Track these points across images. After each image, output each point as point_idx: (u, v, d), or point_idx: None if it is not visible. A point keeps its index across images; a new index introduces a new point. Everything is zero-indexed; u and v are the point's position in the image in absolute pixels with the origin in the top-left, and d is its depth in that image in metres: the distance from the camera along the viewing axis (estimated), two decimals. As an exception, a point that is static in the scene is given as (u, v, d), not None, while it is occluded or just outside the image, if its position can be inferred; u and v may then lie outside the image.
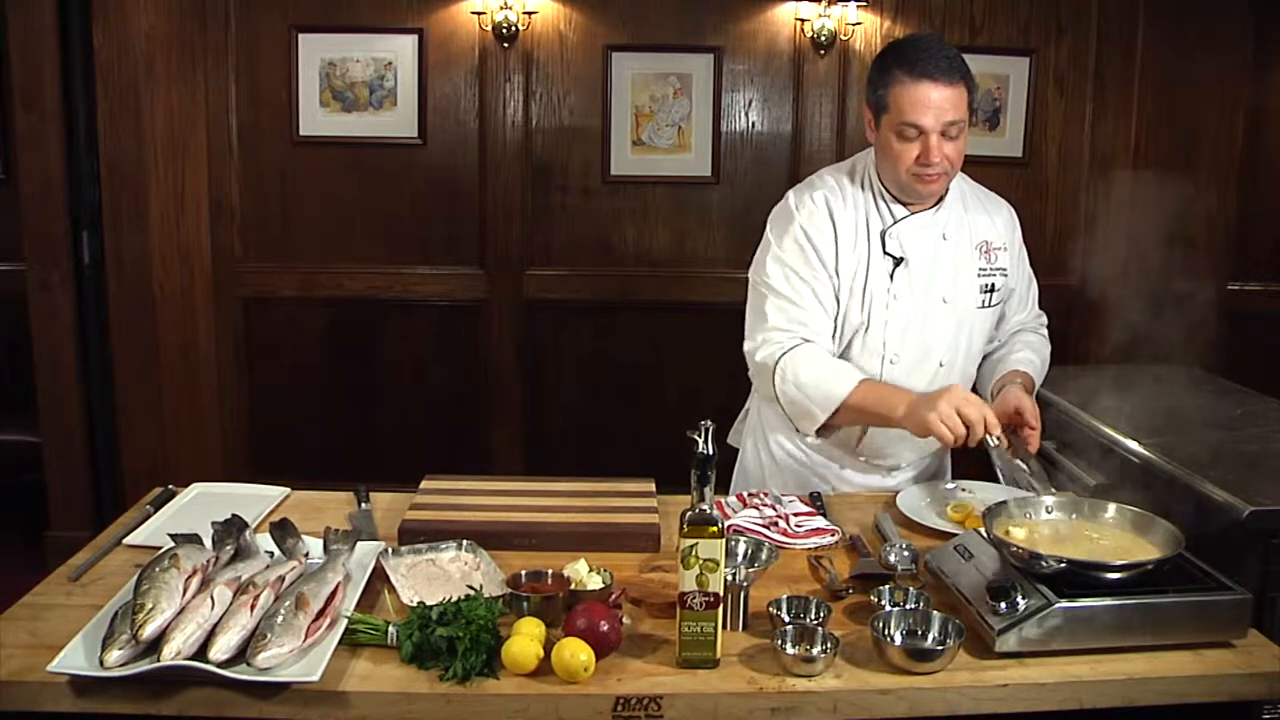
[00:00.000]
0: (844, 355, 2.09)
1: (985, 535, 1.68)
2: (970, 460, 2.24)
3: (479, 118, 3.84)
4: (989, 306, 2.16)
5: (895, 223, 2.06)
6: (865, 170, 2.11)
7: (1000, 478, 1.88)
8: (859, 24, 3.78)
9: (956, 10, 3.83)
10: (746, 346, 2.09)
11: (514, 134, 3.84)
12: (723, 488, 2.25)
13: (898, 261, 2.06)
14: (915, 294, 2.07)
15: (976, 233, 2.13)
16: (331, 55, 3.78)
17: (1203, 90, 3.86)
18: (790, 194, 2.13)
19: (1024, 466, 1.89)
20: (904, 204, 2.07)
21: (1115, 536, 1.69)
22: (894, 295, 2.07)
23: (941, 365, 2.12)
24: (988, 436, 1.86)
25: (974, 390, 2.20)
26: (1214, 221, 3.95)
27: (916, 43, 1.96)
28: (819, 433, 2.06)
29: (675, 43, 3.83)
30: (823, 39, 3.75)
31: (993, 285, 2.14)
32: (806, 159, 3.86)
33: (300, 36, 3.77)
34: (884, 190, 2.07)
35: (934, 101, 1.91)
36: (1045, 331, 2.32)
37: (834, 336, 2.09)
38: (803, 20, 3.78)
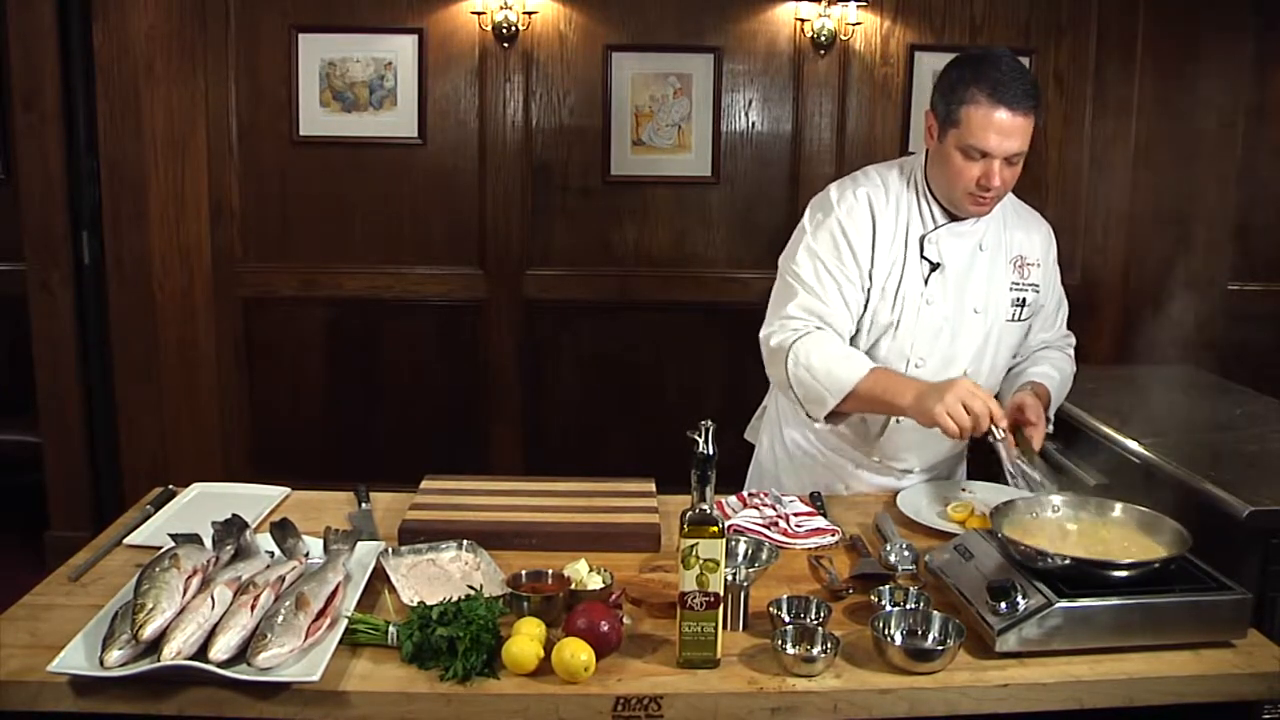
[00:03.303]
0: (870, 355, 2.08)
1: (994, 534, 1.67)
2: (983, 464, 2.25)
3: (479, 118, 3.84)
4: (1018, 321, 2.15)
5: (937, 228, 2.06)
6: (913, 172, 2.10)
7: (1006, 475, 1.88)
8: (859, 24, 3.78)
9: (956, 10, 3.83)
10: (762, 333, 2.08)
11: (514, 134, 3.84)
12: (737, 483, 2.25)
13: (934, 267, 2.06)
14: (948, 301, 2.07)
15: (1013, 247, 2.13)
16: (331, 55, 3.78)
17: (1203, 90, 3.85)
18: (833, 187, 2.12)
19: (1028, 463, 1.88)
20: (947, 212, 2.07)
21: (1122, 535, 1.69)
22: (927, 300, 2.07)
23: (966, 374, 2.11)
24: (993, 428, 1.85)
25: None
26: (1214, 222, 3.95)
27: (998, 64, 1.92)
28: (828, 419, 2.04)
29: (675, 43, 3.83)
30: (823, 39, 3.76)
31: (1024, 300, 2.14)
32: (806, 159, 3.86)
33: (300, 36, 3.77)
34: (930, 195, 2.07)
35: (1007, 130, 1.90)
36: (1071, 352, 2.30)
37: (860, 335, 2.09)
38: (803, 20, 3.78)
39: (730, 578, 1.53)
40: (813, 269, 2.04)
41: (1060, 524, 1.74)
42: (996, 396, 2.21)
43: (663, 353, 4.00)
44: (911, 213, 2.07)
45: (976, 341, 2.11)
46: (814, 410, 2.03)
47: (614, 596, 1.59)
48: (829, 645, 1.47)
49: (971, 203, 1.99)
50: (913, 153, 2.15)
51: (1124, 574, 1.54)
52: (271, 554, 1.69)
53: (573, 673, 1.40)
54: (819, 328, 2.03)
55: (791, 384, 2.02)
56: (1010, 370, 2.24)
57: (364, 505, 2.03)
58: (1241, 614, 1.54)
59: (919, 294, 2.06)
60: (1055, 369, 2.21)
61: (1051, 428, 2.12)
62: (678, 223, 3.94)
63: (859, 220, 2.05)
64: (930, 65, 3.75)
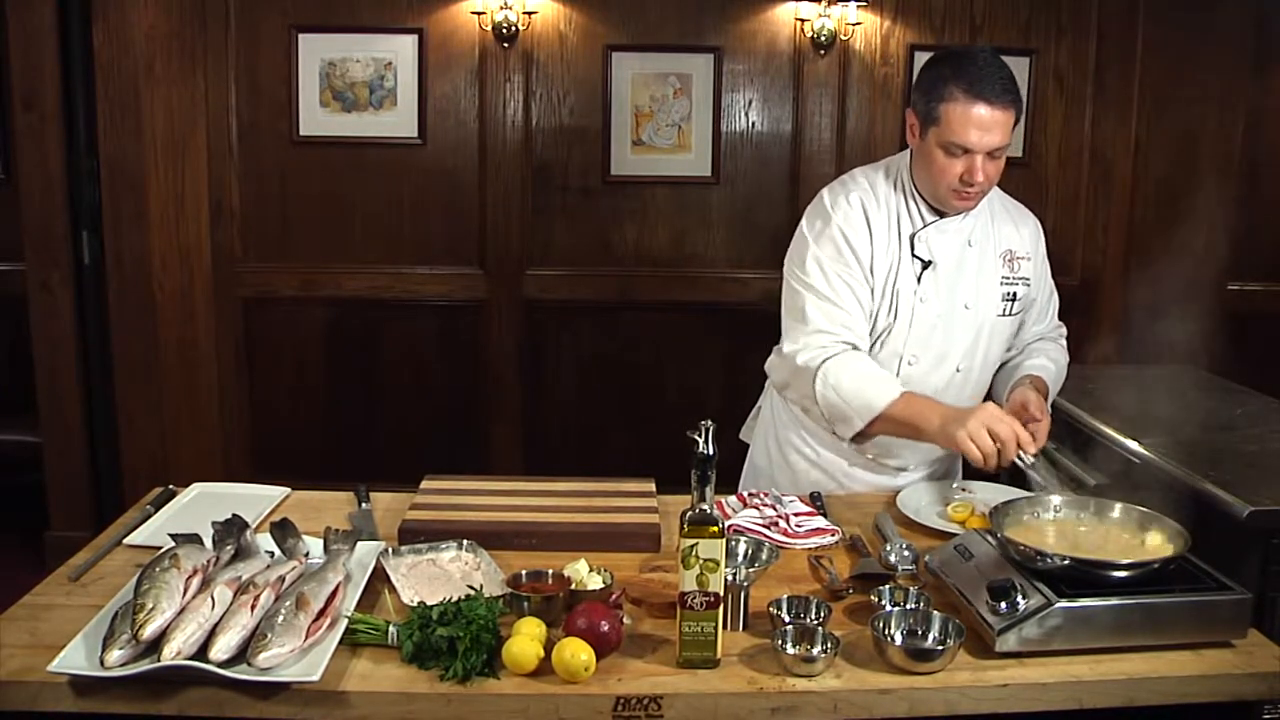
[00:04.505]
0: (867, 353, 2.09)
1: (994, 534, 1.67)
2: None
3: (479, 118, 3.84)
4: (1009, 315, 2.16)
5: (925, 226, 2.07)
6: (899, 172, 2.11)
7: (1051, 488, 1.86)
8: (859, 24, 3.78)
9: (957, 10, 3.83)
10: (787, 347, 2.09)
11: (514, 134, 3.84)
12: (732, 483, 2.25)
13: (925, 264, 2.07)
14: (940, 298, 2.08)
15: (1002, 242, 2.14)
16: (331, 55, 3.78)
17: (1203, 90, 3.86)
18: (825, 193, 2.13)
19: (1061, 482, 1.86)
20: (934, 209, 2.08)
21: (1122, 535, 1.69)
22: (920, 298, 2.07)
23: (958, 370, 2.13)
24: (1021, 454, 1.85)
25: (988, 396, 2.21)
26: (1214, 221, 3.95)
27: (975, 59, 1.93)
28: (853, 439, 2.07)
29: (675, 43, 3.83)
30: (823, 39, 3.76)
31: (1014, 294, 2.15)
32: (806, 159, 3.86)
33: (300, 36, 3.77)
34: (916, 194, 2.08)
35: (986, 124, 1.91)
36: (1064, 343, 2.32)
37: None
38: (803, 20, 3.78)
39: (730, 578, 1.53)
40: (822, 275, 2.05)
41: (1060, 524, 1.74)
42: (990, 390, 2.22)
43: (662, 353, 4.00)
44: (900, 212, 2.08)
45: (968, 337, 2.12)
46: (840, 430, 2.06)
47: (614, 596, 1.59)
48: (829, 645, 1.47)
49: (956, 198, 2.00)
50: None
51: (1124, 574, 1.54)
52: (271, 554, 1.69)
53: (573, 673, 1.40)
54: (846, 342, 2.04)
55: (819, 403, 2.03)
56: (1005, 364, 2.26)
57: (364, 505, 2.03)
58: (1241, 614, 1.54)
59: (912, 292, 2.07)
60: (1050, 360, 2.23)
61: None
62: (677, 223, 3.94)
63: (855, 225, 2.06)
64: (930, 65, 3.75)
